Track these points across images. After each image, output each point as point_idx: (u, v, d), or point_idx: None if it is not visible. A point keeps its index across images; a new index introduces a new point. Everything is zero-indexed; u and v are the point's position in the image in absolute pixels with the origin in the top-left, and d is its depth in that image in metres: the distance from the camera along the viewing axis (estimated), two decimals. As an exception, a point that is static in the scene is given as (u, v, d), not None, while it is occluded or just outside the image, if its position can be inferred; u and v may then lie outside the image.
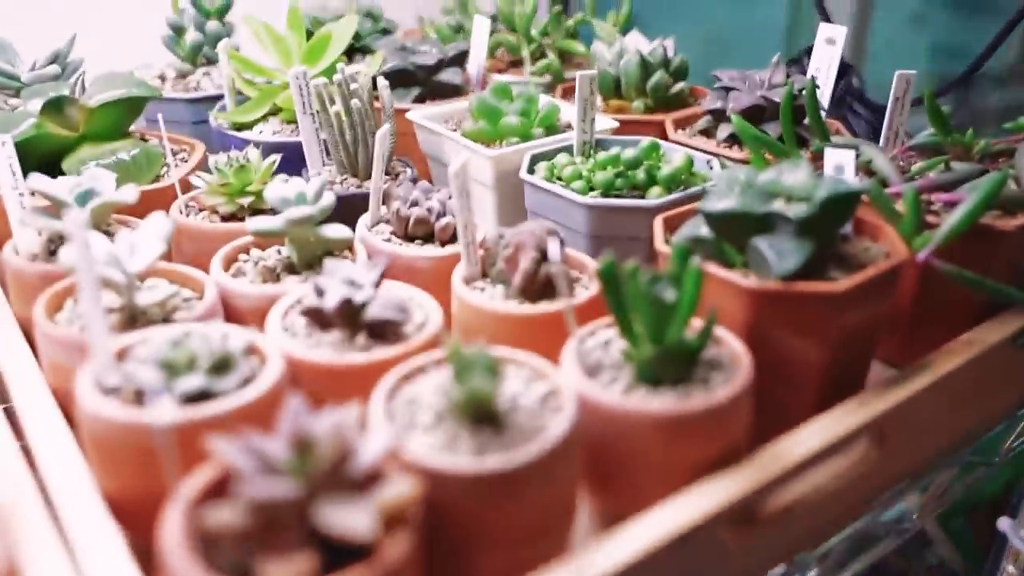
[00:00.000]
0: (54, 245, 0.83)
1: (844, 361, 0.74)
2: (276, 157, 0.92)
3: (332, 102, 0.96)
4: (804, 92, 0.91)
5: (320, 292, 0.69)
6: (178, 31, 1.20)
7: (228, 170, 0.89)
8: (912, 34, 1.37)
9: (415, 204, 0.87)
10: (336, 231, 0.81)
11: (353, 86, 0.96)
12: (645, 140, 0.93)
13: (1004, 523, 1.09)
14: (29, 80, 1.09)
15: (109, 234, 0.85)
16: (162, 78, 1.20)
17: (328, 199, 0.82)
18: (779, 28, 1.48)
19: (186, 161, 1.01)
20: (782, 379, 0.73)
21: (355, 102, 0.94)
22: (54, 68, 1.10)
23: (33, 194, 0.84)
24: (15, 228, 0.83)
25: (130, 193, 0.82)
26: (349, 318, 0.68)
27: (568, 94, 1.20)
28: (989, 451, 0.86)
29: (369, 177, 0.99)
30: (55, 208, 0.83)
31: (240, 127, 1.07)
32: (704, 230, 0.75)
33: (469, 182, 0.97)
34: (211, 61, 1.23)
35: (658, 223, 0.79)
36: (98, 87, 0.97)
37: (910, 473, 0.78)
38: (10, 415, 0.73)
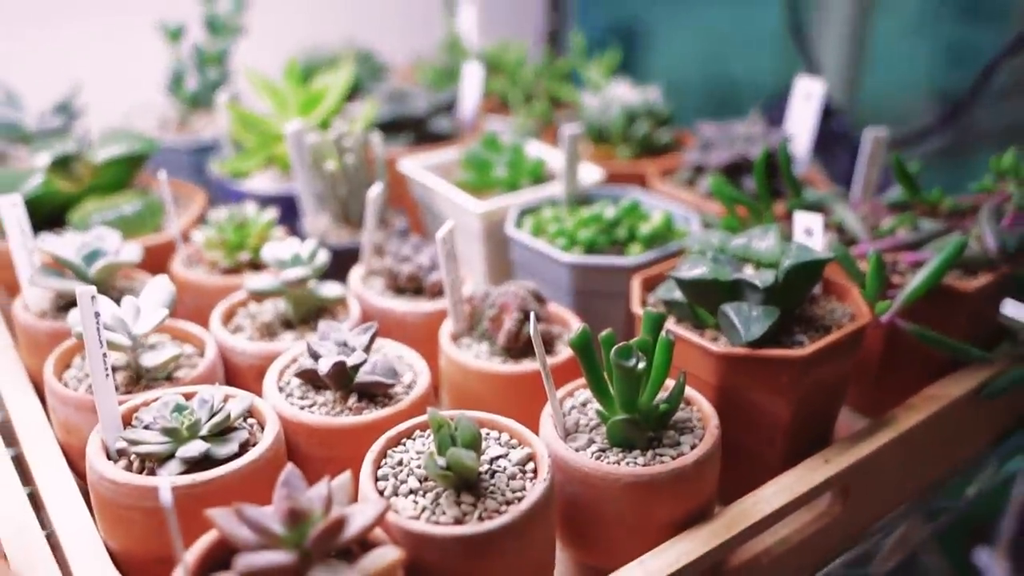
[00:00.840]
0: (62, 301, 0.87)
1: (811, 416, 0.78)
2: (274, 214, 0.96)
3: (320, 157, 1.00)
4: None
5: (315, 356, 0.73)
6: (179, 78, 1.24)
7: (228, 226, 0.93)
8: (914, 44, 1.37)
9: (406, 260, 0.91)
10: (330, 290, 0.85)
11: (347, 142, 1.00)
12: (627, 198, 0.98)
13: (982, 557, 1.13)
14: (37, 131, 1.13)
15: (115, 288, 0.89)
16: (163, 124, 1.24)
17: (322, 258, 0.86)
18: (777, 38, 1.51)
19: (186, 209, 1.06)
20: (753, 433, 0.77)
21: (349, 157, 0.98)
22: (61, 120, 1.14)
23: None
24: (25, 285, 0.87)
25: (134, 252, 0.86)
26: (342, 380, 0.72)
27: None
28: (954, 495, 0.90)
29: (362, 226, 1.03)
30: (60, 265, 0.87)
31: (238, 175, 1.12)
32: (678, 293, 0.79)
33: (458, 235, 1.02)
34: (209, 106, 1.28)
35: (635, 285, 0.84)
36: (103, 143, 1.01)
37: (874, 523, 0.82)
38: (19, 461, 0.78)
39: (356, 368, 0.73)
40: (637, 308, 0.81)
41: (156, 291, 0.79)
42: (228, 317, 0.87)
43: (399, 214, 1.06)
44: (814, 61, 1.36)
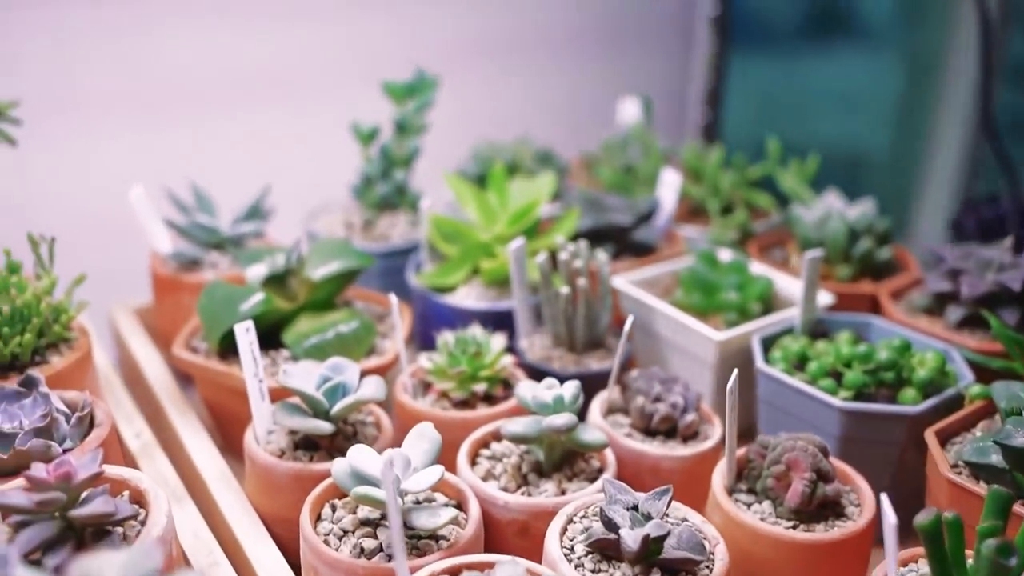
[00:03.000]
0: (297, 436, 0.82)
1: None
2: (504, 341, 0.90)
3: (551, 278, 0.95)
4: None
5: (610, 524, 0.66)
6: (369, 181, 1.20)
7: (461, 355, 0.87)
8: None
9: (658, 399, 0.84)
10: (593, 436, 0.78)
11: (577, 263, 0.94)
12: (874, 324, 0.90)
13: None
14: (231, 235, 1.09)
15: (347, 423, 0.84)
16: (348, 226, 1.20)
17: (581, 401, 0.79)
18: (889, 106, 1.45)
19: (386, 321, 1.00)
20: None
21: (581, 281, 0.92)
22: (254, 225, 1.10)
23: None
24: (257, 417, 0.82)
25: (377, 389, 0.80)
26: (644, 554, 0.65)
27: (763, 251, 1.17)
28: None
29: (585, 352, 0.97)
30: (289, 392, 0.81)
31: (442, 289, 1.06)
32: (995, 457, 0.71)
33: (683, 361, 0.95)
34: (393, 207, 1.23)
35: (933, 442, 0.76)
36: (317, 257, 0.97)
37: None
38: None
39: (660, 539, 0.65)
40: (946, 471, 0.73)
41: (423, 441, 0.73)
42: (471, 459, 0.81)
43: (619, 337, 0.99)
44: (1012, 166, 1.27)
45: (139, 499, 0.71)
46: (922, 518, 0.61)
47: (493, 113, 1.58)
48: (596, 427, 0.83)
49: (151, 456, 0.89)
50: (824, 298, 1.00)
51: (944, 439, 0.79)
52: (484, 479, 0.78)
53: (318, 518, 0.73)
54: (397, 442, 0.86)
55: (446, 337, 0.90)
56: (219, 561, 0.75)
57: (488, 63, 1.59)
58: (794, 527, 0.73)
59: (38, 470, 0.64)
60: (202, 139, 1.34)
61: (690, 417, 0.84)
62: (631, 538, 0.64)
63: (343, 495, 0.74)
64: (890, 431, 0.82)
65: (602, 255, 0.97)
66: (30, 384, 0.80)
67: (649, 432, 0.85)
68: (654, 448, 0.82)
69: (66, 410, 0.79)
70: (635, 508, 0.69)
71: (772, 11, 1.62)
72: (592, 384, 0.89)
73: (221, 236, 1.09)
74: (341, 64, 1.44)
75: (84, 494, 0.66)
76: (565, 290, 0.92)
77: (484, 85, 1.59)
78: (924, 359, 0.85)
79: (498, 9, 1.57)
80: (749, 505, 0.75)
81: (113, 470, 0.72)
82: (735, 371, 0.74)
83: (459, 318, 1.03)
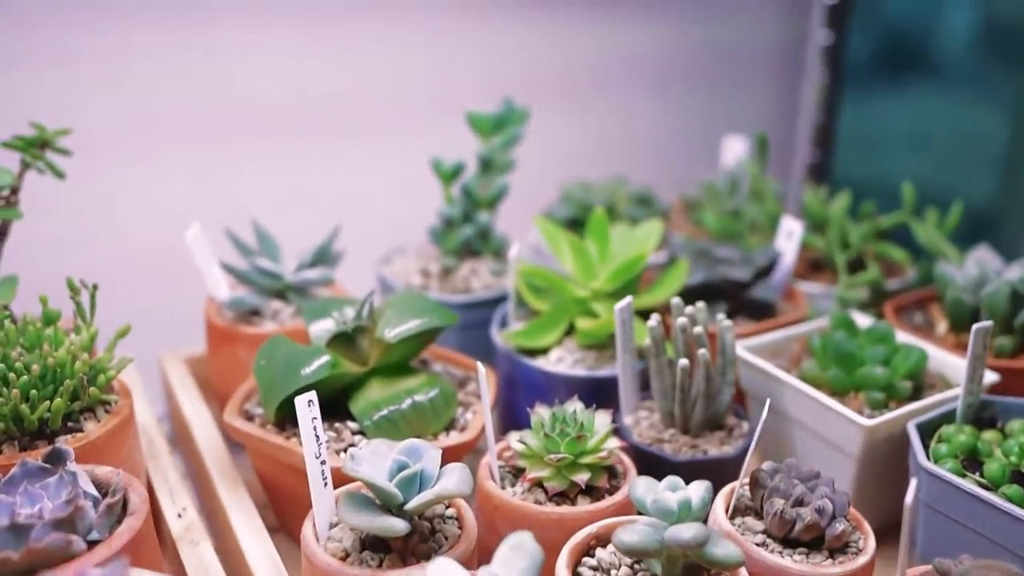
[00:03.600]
0: (362, 533, 0.68)
1: None
2: (608, 419, 0.76)
3: (664, 345, 0.80)
4: None
5: None
6: (450, 223, 1.07)
7: (559, 437, 0.73)
8: None
9: (800, 502, 0.69)
10: (726, 551, 0.63)
11: (696, 330, 0.80)
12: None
13: None
14: (295, 282, 0.97)
15: (423, 516, 0.70)
16: (425, 273, 1.07)
17: (709, 507, 0.64)
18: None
19: (463, 388, 0.87)
20: None
21: (702, 352, 0.78)
22: (321, 271, 0.98)
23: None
24: (317, 507, 0.69)
25: (462, 482, 0.66)
26: None
27: (900, 314, 1.01)
28: None
29: (701, 434, 0.82)
30: (340, 474, 0.68)
31: (532, 351, 0.93)
32: None
33: (814, 445, 0.80)
34: (475, 253, 1.10)
35: None
36: (391, 312, 0.84)
37: None
38: None
39: None
40: None
41: (520, 557, 0.58)
42: (572, 570, 0.66)
43: (739, 416, 0.85)
44: None
45: (172, 617, 0.58)
46: None
47: (581, 150, 1.46)
48: (725, 535, 0.68)
49: (194, 542, 0.76)
50: (989, 377, 0.84)
51: None
52: (590, 597, 0.64)
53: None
54: (483, 542, 0.72)
55: (541, 414, 0.76)
56: None
57: (577, 95, 1.47)
58: None
59: (48, 586, 0.51)
60: (268, 173, 1.24)
61: (840, 526, 0.68)
62: None
63: (419, 615, 0.61)
64: (1097, 555, 0.66)
65: (725, 320, 0.82)
66: (57, 459, 0.68)
67: (788, 542, 0.69)
68: (797, 565, 0.67)
69: (95, 493, 0.67)
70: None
71: (890, 43, 1.47)
72: (709, 473, 0.74)
73: (284, 283, 0.97)
74: (419, 95, 1.33)
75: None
76: (684, 362, 0.78)
77: (572, 119, 1.47)
78: None
79: (588, 38, 1.45)
80: (926, 650, 0.60)
81: (144, 577, 0.59)
82: (913, 482, 0.58)
83: (551, 385, 0.90)
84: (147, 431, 0.91)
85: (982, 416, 0.81)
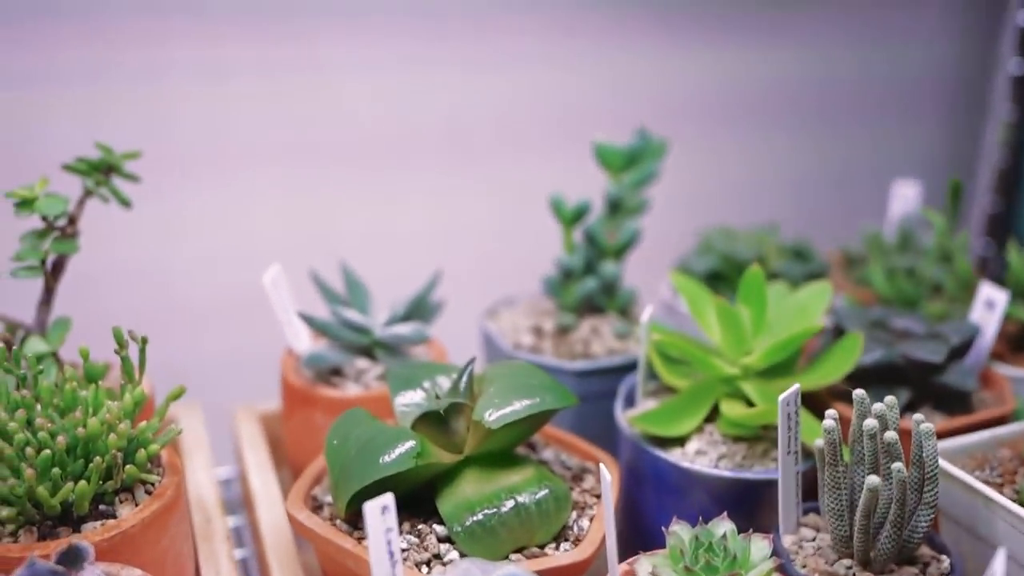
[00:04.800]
0: None
1: None
2: (768, 548, 0.58)
3: (841, 450, 0.62)
4: None
5: None
6: (568, 275, 0.91)
7: (703, 573, 0.56)
8: None
9: None
10: None
11: (889, 435, 0.61)
12: None
13: None
14: (384, 338, 0.82)
15: (521, 671, 0.54)
16: (537, 331, 0.91)
17: None
18: None
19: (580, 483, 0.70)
20: None
21: (897, 467, 0.59)
22: (415, 327, 0.83)
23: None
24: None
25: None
26: None
27: None
28: None
29: (887, 570, 0.63)
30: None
31: (664, 440, 0.75)
32: None
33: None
34: (598, 310, 0.94)
35: None
36: (494, 387, 0.68)
37: None
38: None
39: None
40: None
41: None
42: None
43: (939, 549, 0.65)
44: None
45: None
46: None
47: (720, 191, 1.28)
48: None
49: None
50: None
51: None
52: None
53: None
54: None
55: (679, 535, 0.59)
56: None
57: (716, 128, 1.30)
58: None
59: None
60: (363, 204, 1.11)
61: None
62: None
63: None
64: None
65: (925, 423, 0.63)
66: (73, 560, 0.55)
67: None
68: None
69: (113, 612, 0.54)
70: None
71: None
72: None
73: (372, 338, 0.83)
74: (537, 124, 1.18)
75: None
76: (874, 480, 0.59)
77: (710, 155, 1.29)
78: None
79: (730, 64, 1.28)
80: None
81: None
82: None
83: (688, 485, 0.72)
84: (204, 506, 0.77)
85: None
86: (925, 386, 0.80)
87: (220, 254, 1.09)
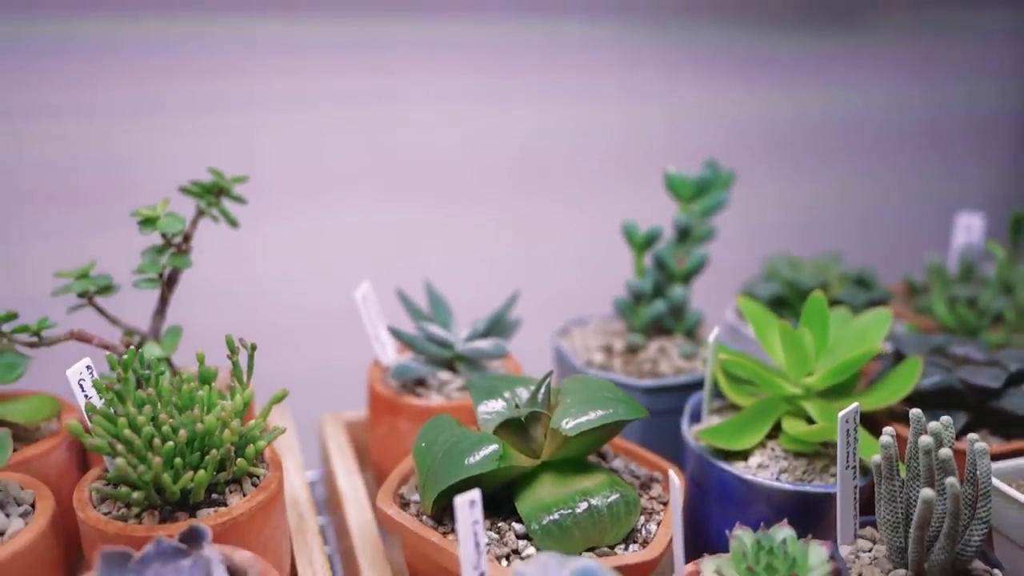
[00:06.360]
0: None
1: None
2: (826, 554, 0.62)
3: (897, 465, 0.66)
4: None
5: None
6: (640, 297, 0.96)
7: (764, 573, 0.60)
8: None
9: None
10: None
11: (944, 452, 0.64)
12: None
13: None
14: (466, 352, 0.88)
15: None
16: (607, 351, 0.96)
17: None
18: None
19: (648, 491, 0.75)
20: None
21: (951, 482, 0.63)
22: (494, 343, 0.89)
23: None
24: (471, 631, 0.58)
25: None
26: None
27: None
28: None
29: (941, 580, 0.66)
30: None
31: (728, 453, 0.80)
32: None
33: None
34: (666, 331, 0.98)
35: None
36: (571, 399, 0.73)
37: None
38: None
39: None
40: None
41: None
42: None
43: (992, 564, 0.68)
44: None
45: None
46: None
47: (787, 221, 1.32)
48: None
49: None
50: None
51: None
52: None
53: None
54: None
55: (742, 539, 0.63)
56: None
57: (783, 161, 1.34)
58: None
59: None
60: (444, 229, 1.18)
61: None
62: None
63: None
64: None
65: (979, 442, 0.66)
66: (193, 539, 0.61)
67: None
68: None
69: (230, 585, 0.60)
70: None
71: None
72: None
73: (454, 352, 0.89)
74: (610, 154, 1.24)
75: None
76: (928, 493, 0.63)
77: (777, 187, 1.33)
78: None
79: (797, 98, 1.32)
80: None
81: None
82: None
83: (750, 497, 0.76)
84: (297, 504, 0.84)
85: None
86: (983, 411, 0.84)
87: (307, 275, 1.16)
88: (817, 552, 0.63)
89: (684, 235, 0.97)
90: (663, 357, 0.95)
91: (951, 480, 0.63)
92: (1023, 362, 0.85)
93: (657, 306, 0.95)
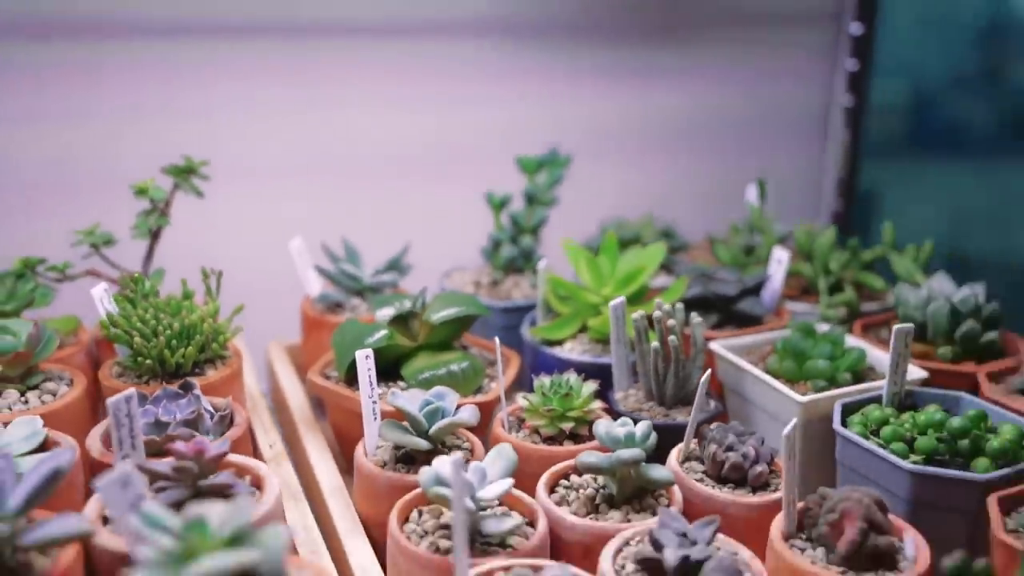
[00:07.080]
0: (400, 452, 0.92)
1: None
2: (594, 387, 0.98)
3: (646, 334, 1.03)
4: None
5: (657, 545, 0.73)
6: (498, 244, 1.32)
7: (553, 395, 0.96)
8: None
9: (730, 449, 0.90)
10: (659, 473, 0.85)
11: (670, 322, 1.01)
12: (964, 399, 0.92)
13: None
14: (371, 283, 1.23)
15: (445, 445, 0.94)
16: (477, 284, 1.32)
17: (652, 440, 0.86)
18: None
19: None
20: None
21: (672, 339, 1.00)
22: (392, 276, 1.24)
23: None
24: (368, 434, 0.93)
25: (471, 415, 0.90)
26: (685, 574, 0.71)
27: (867, 330, 1.21)
28: None
29: (675, 407, 1.03)
30: (398, 416, 0.92)
31: (551, 342, 1.16)
32: (1050, 522, 0.73)
33: (768, 424, 0.99)
34: (519, 270, 1.34)
35: (993, 505, 0.78)
36: (439, 303, 1.09)
37: None
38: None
39: (699, 564, 0.71)
40: (1000, 533, 0.75)
41: (500, 459, 0.82)
42: (550, 488, 0.88)
43: (709, 396, 1.05)
44: None
45: (258, 484, 0.83)
46: (950, 561, 0.64)
47: (628, 198, 1.68)
48: (673, 472, 0.89)
49: (279, 463, 1.02)
50: (915, 372, 1.03)
51: (1011, 507, 0.80)
52: (558, 505, 0.86)
53: (406, 520, 0.83)
54: (488, 468, 0.95)
55: (543, 380, 0.99)
56: (319, 551, 0.86)
57: (627, 150, 1.70)
58: (843, 574, 0.76)
59: (179, 446, 0.77)
60: (359, 202, 1.51)
61: (760, 468, 0.88)
62: (672, 556, 0.71)
63: (430, 503, 0.84)
64: (961, 498, 0.84)
65: (696, 318, 1.04)
66: (187, 388, 0.95)
67: (721, 479, 0.90)
68: (722, 494, 0.87)
69: (212, 410, 0.94)
70: (684, 535, 0.75)
71: (909, 107, 1.66)
72: (677, 436, 0.95)
73: (363, 284, 1.23)
74: (482, 143, 1.59)
75: (214, 475, 0.79)
76: (655, 345, 1.00)
77: (622, 170, 1.70)
78: (1001, 430, 0.87)
79: (638, 101, 1.69)
80: (803, 551, 0.79)
81: (241, 459, 0.85)
82: (793, 420, 0.79)
83: (564, 368, 1.11)
84: (250, 392, 1.18)
85: (906, 403, 0.99)
86: (728, 312, 1.21)
87: (256, 237, 1.49)
88: (588, 386, 0.99)
89: (531, 200, 1.34)
90: (516, 288, 1.31)
91: (672, 337, 1.00)
92: (756, 279, 1.23)
93: (511, 250, 1.32)
